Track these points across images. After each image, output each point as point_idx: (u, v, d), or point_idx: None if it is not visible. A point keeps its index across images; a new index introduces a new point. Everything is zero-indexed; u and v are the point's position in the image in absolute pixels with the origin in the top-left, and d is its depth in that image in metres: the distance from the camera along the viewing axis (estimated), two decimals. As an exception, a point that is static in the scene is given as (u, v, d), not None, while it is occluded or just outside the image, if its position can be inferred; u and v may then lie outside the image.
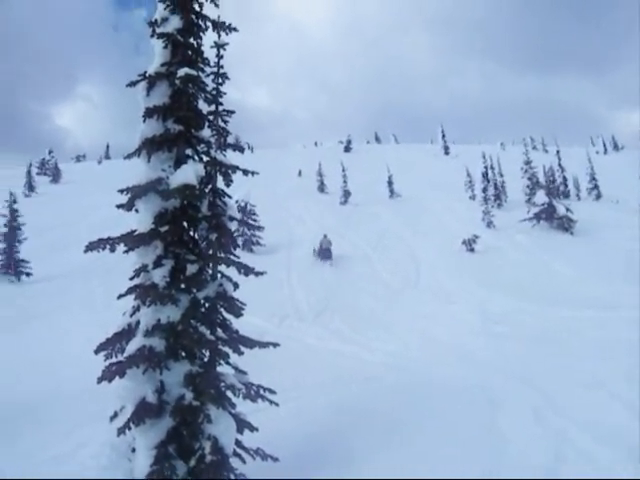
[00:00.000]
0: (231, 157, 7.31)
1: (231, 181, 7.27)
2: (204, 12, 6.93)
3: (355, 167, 47.44)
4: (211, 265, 6.97)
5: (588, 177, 40.25)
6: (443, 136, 69.66)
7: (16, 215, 23.83)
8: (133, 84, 6.67)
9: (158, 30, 6.73)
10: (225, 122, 7.34)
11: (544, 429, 8.30)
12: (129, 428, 5.81)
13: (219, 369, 6.85)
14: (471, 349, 13.14)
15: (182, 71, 6.46)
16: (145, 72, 6.66)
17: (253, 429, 6.91)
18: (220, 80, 7.22)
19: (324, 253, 25.42)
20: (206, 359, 6.74)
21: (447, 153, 66.86)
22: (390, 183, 40.44)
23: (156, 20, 6.80)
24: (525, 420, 8.69)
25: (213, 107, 7.21)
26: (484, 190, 34.85)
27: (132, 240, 6.41)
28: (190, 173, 6.29)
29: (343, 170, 39.99)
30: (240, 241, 24.90)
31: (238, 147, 7.86)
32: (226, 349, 6.80)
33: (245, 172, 7.15)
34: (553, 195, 30.61)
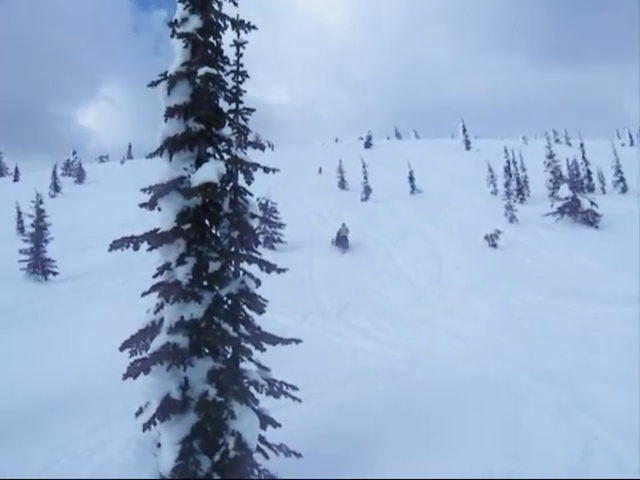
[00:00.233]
0: (252, 155, 7.34)
1: (252, 179, 7.31)
2: (223, 11, 6.96)
3: (375, 163, 47.24)
4: (233, 262, 7.01)
5: (613, 170, 39.46)
6: (464, 131, 68.95)
7: (42, 215, 24.25)
8: (154, 84, 6.73)
9: (178, 30, 6.78)
10: (245, 120, 7.36)
11: (570, 426, 8.22)
12: (154, 424, 5.88)
13: (242, 365, 6.90)
14: (496, 345, 13.03)
15: (202, 70, 6.50)
16: (166, 72, 6.72)
17: (276, 425, 6.94)
18: (240, 78, 7.24)
19: (341, 241, 26.08)
20: (229, 356, 6.80)
21: (468, 148, 66.18)
22: (411, 179, 40.21)
23: (176, 20, 6.86)
24: (551, 417, 8.61)
25: (233, 105, 7.24)
26: (506, 185, 34.47)
27: (155, 238, 6.48)
28: (211, 171, 6.33)
29: (364, 166, 39.85)
30: (261, 238, 25.00)
31: (258, 145, 7.89)
32: (249, 346, 6.83)
33: (266, 170, 7.17)
34: (577, 189, 30.17)
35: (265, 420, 6.88)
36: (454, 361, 12.04)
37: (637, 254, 20.04)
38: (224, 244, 6.97)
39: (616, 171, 39.26)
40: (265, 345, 6.92)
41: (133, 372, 6.13)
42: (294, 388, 7.07)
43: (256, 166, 7.15)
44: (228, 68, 7.15)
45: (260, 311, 6.94)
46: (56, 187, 49.02)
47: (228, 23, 6.99)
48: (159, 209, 6.60)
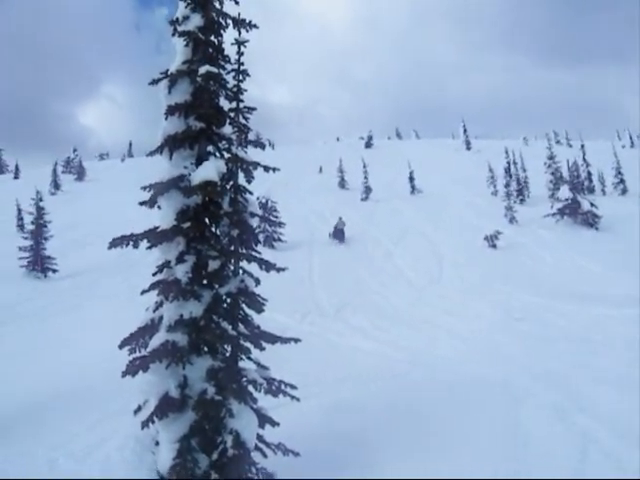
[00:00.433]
0: (252, 154, 7.34)
1: (252, 178, 7.31)
2: (225, 10, 6.96)
3: (376, 163, 47.22)
4: (233, 261, 7.02)
5: (614, 171, 39.45)
6: (465, 131, 68.94)
7: (42, 213, 24.25)
8: (155, 82, 6.74)
9: (179, 28, 6.78)
10: (246, 119, 7.36)
11: (568, 427, 8.22)
12: (152, 422, 5.89)
13: (241, 364, 6.90)
14: (495, 346, 13.03)
15: (203, 69, 6.51)
16: (167, 70, 6.73)
17: (274, 424, 6.95)
18: (241, 77, 7.24)
19: (338, 234, 27.10)
20: (228, 354, 6.80)
21: (469, 148, 66.15)
22: (411, 179, 40.21)
23: (177, 19, 6.86)
24: (549, 418, 8.61)
25: (234, 104, 7.24)
26: (506, 185, 34.46)
27: (155, 236, 6.49)
28: (211, 170, 6.34)
29: (364, 166, 39.85)
30: (261, 237, 25.01)
31: (259, 144, 7.90)
32: (248, 344, 6.84)
33: (266, 169, 7.18)
34: (577, 190, 30.18)
35: (263, 419, 6.88)
36: (454, 361, 12.03)
37: (637, 256, 20.05)
38: (224, 243, 6.98)
39: (616, 173, 39.24)
40: (264, 344, 6.93)
41: (132, 370, 6.13)
42: (293, 387, 7.07)
43: (256, 165, 7.15)
44: (229, 67, 7.15)
45: (259, 310, 6.95)
46: (56, 185, 48.99)
47: (229, 22, 6.99)
48: (159, 207, 6.61)
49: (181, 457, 5.89)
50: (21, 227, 30.36)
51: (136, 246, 6.54)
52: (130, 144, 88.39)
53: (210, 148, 6.96)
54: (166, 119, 6.65)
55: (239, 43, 7.20)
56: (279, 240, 27.43)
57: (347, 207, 34.95)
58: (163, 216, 6.51)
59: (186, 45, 6.76)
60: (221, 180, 6.57)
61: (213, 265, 6.55)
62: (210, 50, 6.90)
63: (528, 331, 14.10)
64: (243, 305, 6.94)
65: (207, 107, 6.73)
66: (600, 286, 17.87)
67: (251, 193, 7.40)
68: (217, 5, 6.91)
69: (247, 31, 7.10)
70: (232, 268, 7.02)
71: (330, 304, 18.13)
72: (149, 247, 6.56)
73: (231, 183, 7.12)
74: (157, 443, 6.31)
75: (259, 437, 6.84)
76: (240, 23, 7.01)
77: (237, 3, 6.98)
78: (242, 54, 7.24)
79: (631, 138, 70.92)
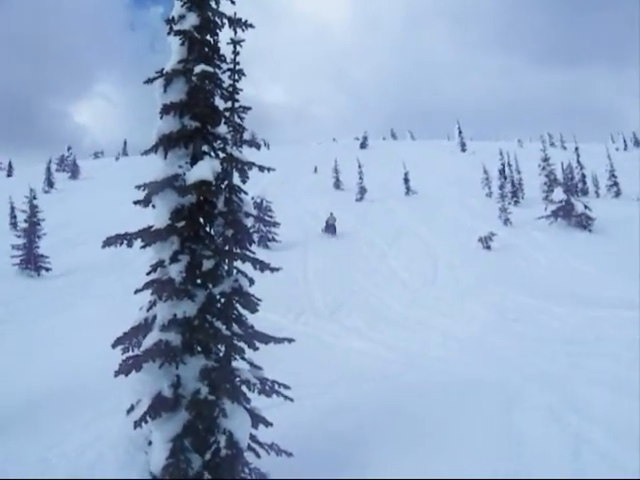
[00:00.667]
0: (247, 154, 7.33)
1: (247, 177, 7.29)
2: (221, 9, 6.95)
3: (371, 164, 47.31)
4: (227, 261, 7.00)
5: (607, 174, 39.71)
6: (460, 133, 69.20)
7: (36, 211, 24.18)
8: (150, 81, 6.72)
9: (175, 27, 6.77)
10: (241, 118, 7.35)
11: (562, 428, 8.23)
12: (146, 421, 5.87)
13: (234, 364, 6.89)
14: (490, 348, 13.05)
15: (199, 68, 6.49)
16: (162, 69, 6.70)
17: (268, 424, 6.93)
18: (236, 77, 7.22)
19: (330, 229, 28.82)
20: (221, 354, 6.78)
21: (464, 150, 66.39)
22: (406, 180, 40.30)
23: (173, 17, 6.84)
24: (543, 419, 8.62)
25: (229, 104, 7.22)
26: (501, 187, 34.61)
27: (149, 236, 6.47)
28: (206, 169, 6.32)
29: (359, 167, 39.93)
30: (256, 237, 24.98)
31: (254, 144, 7.88)
32: (241, 344, 6.82)
33: (261, 168, 7.17)
34: (571, 192, 30.31)
35: (257, 419, 6.87)
36: (448, 362, 12.04)
37: (630, 258, 20.15)
38: (218, 242, 6.96)
39: (610, 175, 39.50)
40: (258, 344, 6.91)
41: (125, 369, 6.11)
42: (286, 387, 7.06)
43: (251, 165, 7.14)
44: (225, 66, 7.13)
45: (253, 310, 6.93)
46: (50, 183, 48.86)
47: (225, 21, 6.98)
48: (153, 206, 6.59)
49: (174, 457, 5.87)
50: (14, 225, 30.27)
51: (130, 245, 6.51)
52: (125, 143, 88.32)
53: (205, 147, 6.94)
54: (161, 118, 6.63)
55: (235, 42, 7.18)
56: (274, 240, 27.44)
57: (342, 207, 34.99)
58: (157, 215, 6.49)
59: (182, 44, 6.74)
60: (216, 180, 6.55)
61: (207, 265, 6.54)
62: (206, 49, 6.88)
63: (522, 332, 14.13)
64: (237, 305, 6.93)
65: (202, 106, 6.71)
66: (594, 288, 17.94)
67: (246, 193, 7.39)
68: (213, 4, 6.89)
69: (243, 30, 7.09)
70: (226, 268, 7.00)
71: (324, 305, 18.14)
72: (143, 246, 6.54)
73: (226, 183, 7.10)
74: (150, 443, 6.29)
75: (252, 437, 6.83)
76: (236, 22, 6.99)
77: (233, 2, 6.97)
78: (238, 53, 7.22)
79: (625, 141, 71.33)
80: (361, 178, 39.57)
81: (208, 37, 6.90)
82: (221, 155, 7.08)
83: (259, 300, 7.01)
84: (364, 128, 77.08)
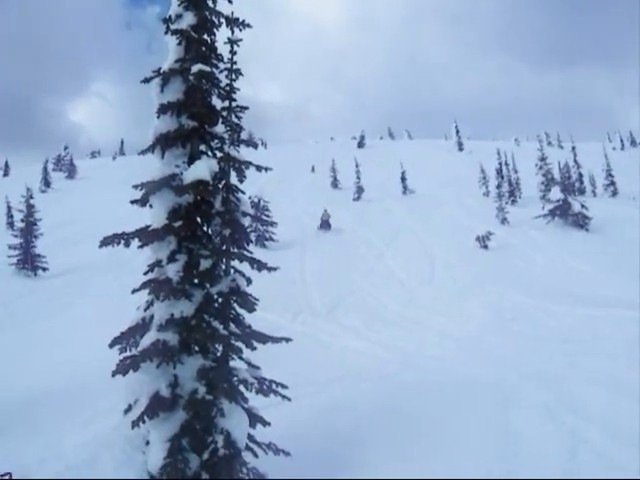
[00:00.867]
0: (244, 153, 7.32)
1: (244, 177, 7.29)
2: (218, 8, 6.94)
3: (368, 163, 47.29)
4: (224, 260, 7.00)
5: (604, 173, 39.80)
6: (457, 132, 69.21)
7: (32, 210, 24.11)
8: (147, 80, 6.71)
9: (172, 27, 6.76)
10: (238, 118, 7.34)
11: (558, 427, 8.26)
12: (143, 421, 5.86)
13: (232, 364, 6.88)
14: (487, 347, 13.07)
15: (196, 67, 6.49)
16: (159, 68, 6.70)
17: (265, 424, 6.93)
18: (234, 76, 7.22)
19: (324, 225, 29.66)
20: (219, 354, 6.78)
21: (461, 149, 66.42)
22: (403, 179, 40.32)
23: (170, 17, 6.83)
24: (539, 417, 8.65)
25: (227, 103, 7.21)
26: (498, 186, 34.64)
27: (146, 235, 6.46)
28: (204, 169, 6.32)
29: (356, 166, 39.92)
30: (253, 237, 24.98)
31: (251, 143, 7.87)
32: (239, 344, 6.82)
33: (258, 168, 7.16)
34: (568, 191, 30.36)
35: (254, 418, 6.87)
36: (445, 362, 12.06)
37: (627, 257, 20.21)
38: (215, 242, 6.96)
39: (607, 174, 39.58)
40: (255, 343, 6.91)
41: (122, 369, 6.10)
42: (284, 387, 7.07)
43: (248, 164, 7.13)
44: (222, 66, 7.13)
45: (251, 309, 6.93)
46: (47, 182, 48.74)
47: (222, 20, 6.97)
48: (151, 206, 6.58)
49: (172, 457, 5.87)
50: (11, 225, 30.20)
51: (127, 245, 6.51)
52: (122, 142, 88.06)
53: (202, 147, 6.94)
54: (158, 117, 6.62)
55: (232, 42, 7.18)
56: (271, 239, 27.42)
57: (339, 207, 34.98)
58: (155, 215, 6.48)
59: (179, 43, 6.73)
60: (213, 179, 6.55)
61: (205, 264, 6.53)
62: (203, 49, 6.87)
63: (519, 331, 14.16)
64: (234, 304, 6.92)
65: (199, 106, 6.70)
66: (590, 287, 17.98)
67: (243, 192, 7.38)
68: (210, 3, 6.89)
69: (240, 30, 7.09)
70: (224, 267, 7.00)
71: (322, 304, 18.14)
72: (140, 246, 6.53)
73: (223, 182, 7.10)
74: (147, 442, 6.28)
75: (250, 437, 6.83)
76: (233, 22, 6.99)
77: (230, 2, 6.97)
78: (235, 53, 7.21)
79: (622, 140, 71.46)
80: (358, 177, 39.56)
81: (205, 36, 6.90)
82: (218, 154, 7.08)
83: (256, 300, 7.00)
84: (361, 127, 77.24)
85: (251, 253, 7.20)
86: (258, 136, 72.83)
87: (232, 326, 6.87)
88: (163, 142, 6.59)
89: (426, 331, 14.89)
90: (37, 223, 24.08)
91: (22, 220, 24.08)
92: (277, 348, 7.30)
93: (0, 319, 16.22)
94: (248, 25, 7.03)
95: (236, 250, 7.09)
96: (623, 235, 24.73)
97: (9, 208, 31.48)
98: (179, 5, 6.80)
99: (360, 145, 71.63)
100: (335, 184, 44.36)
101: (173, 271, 6.27)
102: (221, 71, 7.13)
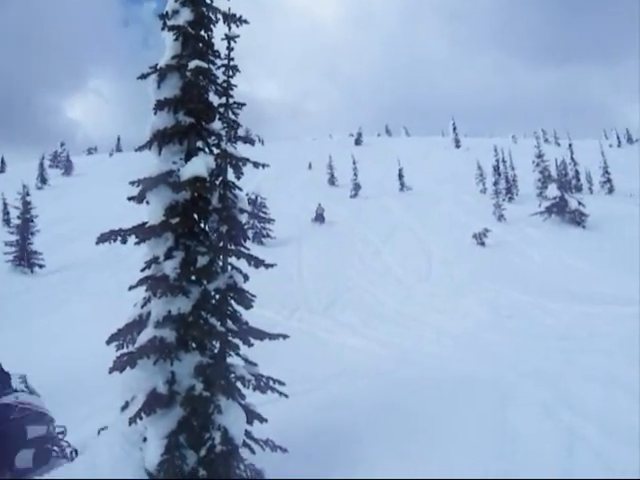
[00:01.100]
0: (241, 150, 7.31)
1: (241, 174, 7.27)
2: (215, 4, 6.92)
3: (365, 160, 47.32)
4: (221, 257, 6.99)
5: (601, 171, 39.86)
6: (454, 129, 69.22)
7: (29, 207, 24.07)
8: (144, 77, 6.68)
9: (169, 23, 6.73)
10: (235, 114, 7.32)
11: (556, 424, 8.25)
12: (140, 418, 5.86)
13: (229, 360, 6.88)
14: (484, 344, 13.08)
15: (193, 63, 6.46)
16: (156, 65, 6.66)
17: (263, 420, 6.93)
18: (231, 72, 7.20)
19: (319, 218, 30.55)
20: (216, 350, 6.77)
21: (458, 146, 66.44)
22: (401, 176, 40.35)
23: (167, 13, 6.80)
24: (537, 415, 8.64)
25: (224, 99, 7.19)
26: (495, 183, 34.69)
27: (143, 232, 6.44)
28: (201, 165, 6.30)
29: (354, 163, 39.95)
30: (250, 233, 24.97)
31: (248, 140, 7.85)
32: (236, 341, 6.81)
33: (255, 165, 7.15)
34: (565, 189, 30.42)
35: (251, 415, 6.87)
36: (442, 359, 12.06)
37: (624, 254, 20.25)
38: (212, 239, 6.95)
39: (603, 172, 39.65)
40: (252, 340, 6.91)
41: (119, 366, 6.09)
42: (281, 383, 7.06)
43: (246, 161, 7.12)
44: (219, 62, 7.10)
45: (248, 306, 6.92)
46: (43, 179, 48.61)
47: (219, 16, 6.94)
48: (147, 203, 6.55)
49: (169, 453, 5.86)
50: (7, 222, 30.14)
51: (124, 241, 6.48)
52: (118, 139, 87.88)
53: (199, 143, 6.91)
54: (155, 114, 6.59)
55: (229, 38, 7.16)
56: (268, 236, 27.44)
57: (336, 203, 35.00)
58: (151, 211, 6.46)
59: (175, 39, 6.70)
60: (210, 176, 6.53)
61: (202, 261, 6.52)
62: (200, 45, 6.84)
63: (516, 328, 14.18)
64: (232, 301, 6.92)
65: (197, 102, 6.68)
66: (587, 284, 18.02)
67: (240, 189, 7.36)
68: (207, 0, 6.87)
69: (237, 26, 7.06)
70: (221, 264, 6.99)
71: (319, 301, 18.16)
72: (137, 243, 6.51)
73: (220, 179, 7.08)
74: (145, 439, 6.27)
75: (247, 433, 6.82)
76: (230, 18, 6.97)
77: (227, -3, 6.94)
78: (232, 49, 7.19)
79: (618, 138, 71.54)
80: (355, 174, 39.58)
81: (202, 32, 6.86)
82: (215, 151, 7.05)
83: (254, 296, 7.00)
84: (358, 124, 77.06)
85: (248, 250, 7.18)
86: (255, 133, 72.71)
87: (229, 323, 6.87)
88: (160, 138, 6.57)
89: (423, 328, 14.91)
90: (33, 220, 24.05)
91: (18, 217, 24.05)
92: (274, 345, 7.28)
93: (-3, 316, 16.19)
94: (245, 21, 7.00)
95: (233, 247, 7.08)
96: (620, 232, 24.79)
97: (5, 205, 31.43)
98: (176, 1, 6.77)
99: (357, 142, 71.58)
100: (332, 181, 44.36)
101: (170, 268, 6.25)
102: (218, 67, 7.11)
